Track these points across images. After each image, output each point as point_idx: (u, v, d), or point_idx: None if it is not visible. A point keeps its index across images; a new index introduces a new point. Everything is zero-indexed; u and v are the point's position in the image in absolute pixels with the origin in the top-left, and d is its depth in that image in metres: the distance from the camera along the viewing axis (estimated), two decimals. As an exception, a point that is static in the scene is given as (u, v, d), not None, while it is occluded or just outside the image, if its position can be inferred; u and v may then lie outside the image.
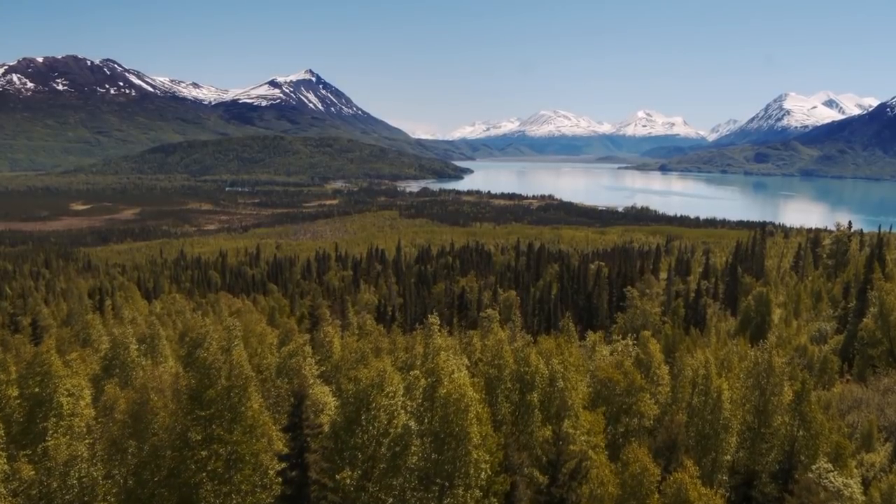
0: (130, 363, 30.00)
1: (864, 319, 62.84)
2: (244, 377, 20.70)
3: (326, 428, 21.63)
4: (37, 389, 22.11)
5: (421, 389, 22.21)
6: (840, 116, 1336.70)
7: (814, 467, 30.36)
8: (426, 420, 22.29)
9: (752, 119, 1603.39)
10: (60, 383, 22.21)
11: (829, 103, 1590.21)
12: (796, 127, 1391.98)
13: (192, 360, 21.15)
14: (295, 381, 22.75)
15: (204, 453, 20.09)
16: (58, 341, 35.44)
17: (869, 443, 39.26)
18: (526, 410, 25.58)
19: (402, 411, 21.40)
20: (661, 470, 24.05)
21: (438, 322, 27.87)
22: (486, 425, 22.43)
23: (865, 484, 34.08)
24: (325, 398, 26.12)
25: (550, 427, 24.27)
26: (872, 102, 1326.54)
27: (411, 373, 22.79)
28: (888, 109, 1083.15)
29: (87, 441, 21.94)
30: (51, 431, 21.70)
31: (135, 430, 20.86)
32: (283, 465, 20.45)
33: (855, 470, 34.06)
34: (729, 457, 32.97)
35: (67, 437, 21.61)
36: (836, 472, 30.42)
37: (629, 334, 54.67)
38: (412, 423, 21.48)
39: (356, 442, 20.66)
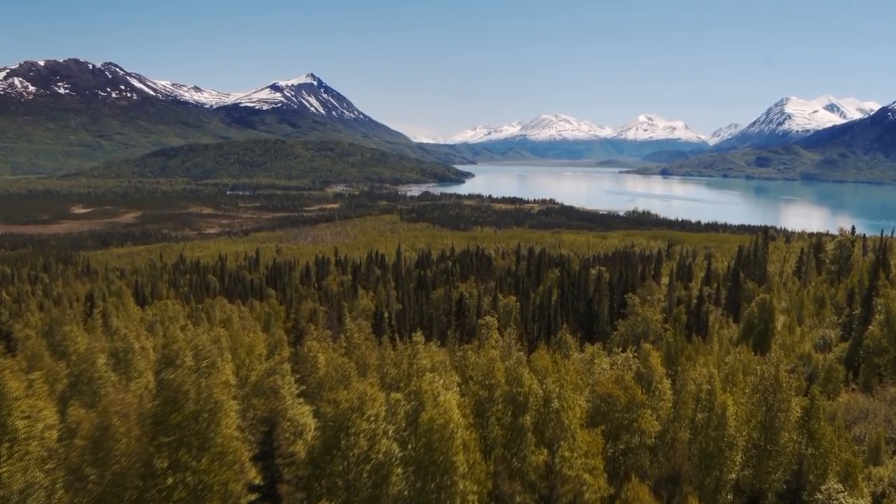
0: (98, 380, 28.57)
1: (870, 327, 61.63)
2: (214, 401, 19.32)
3: (303, 454, 20.21)
4: (-9, 412, 20.72)
5: (403, 413, 20.78)
6: (841, 120, 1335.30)
7: (823, 488, 29.01)
8: (409, 446, 20.76)
9: (754, 123, 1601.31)
10: (15, 405, 20.81)
11: (831, 107, 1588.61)
12: (798, 131, 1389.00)
13: (160, 381, 19.71)
14: (269, 403, 21.31)
15: (170, 481, 18.72)
16: (32, 354, 34.02)
17: (877, 456, 37.89)
18: (518, 434, 24.02)
19: (385, 436, 19.94)
20: (663, 504, 22.67)
21: (431, 334, 26.59)
22: (474, 452, 20.92)
23: (875, 501, 32.72)
24: (305, 419, 24.61)
25: (544, 453, 22.79)
26: (874, 106, 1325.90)
27: (391, 395, 21.34)
28: (889, 113, 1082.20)
29: (47, 467, 20.60)
30: (4, 457, 20.31)
31: (95, 457, 19.49)
32: (254, 496, 19.07)
33: (865, 489, 32.70)
34: (734, 475, 31.73)
35: (23, 463, 20.24)
36: (846, 493, 29.09)
37: (630, 344, 53.34)
38: (395, 448, 20.05)
39: (335, 469, 19.25)
